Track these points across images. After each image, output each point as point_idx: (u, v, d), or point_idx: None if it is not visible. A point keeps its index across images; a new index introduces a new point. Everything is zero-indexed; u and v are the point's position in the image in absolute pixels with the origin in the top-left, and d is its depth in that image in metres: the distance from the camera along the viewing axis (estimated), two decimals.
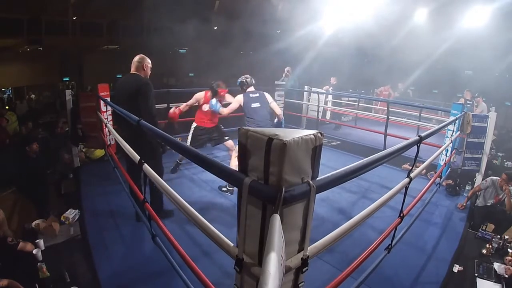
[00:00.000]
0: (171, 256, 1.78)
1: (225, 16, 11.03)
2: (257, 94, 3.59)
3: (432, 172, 4.17)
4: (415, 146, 1.82)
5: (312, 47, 10.16)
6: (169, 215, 2.99)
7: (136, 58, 2.79)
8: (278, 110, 3.76)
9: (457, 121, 3.62)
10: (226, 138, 3.99)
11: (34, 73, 10.96)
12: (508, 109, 10.20)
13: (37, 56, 10.41)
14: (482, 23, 8.27)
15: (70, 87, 10.78)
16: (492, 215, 3.60)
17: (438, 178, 3.52)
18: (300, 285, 0.99)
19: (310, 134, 0.91)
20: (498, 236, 3.03)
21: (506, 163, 6.01)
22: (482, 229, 3.17)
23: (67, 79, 11.83)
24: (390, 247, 1.96)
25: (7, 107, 8.66)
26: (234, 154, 3.75)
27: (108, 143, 3.80)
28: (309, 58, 9.85)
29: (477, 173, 4.06)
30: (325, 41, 10.10)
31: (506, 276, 2.52)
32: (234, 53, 12.83)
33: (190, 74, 13.41)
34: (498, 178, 3.62)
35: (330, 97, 7.74)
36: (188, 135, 3.99)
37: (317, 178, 0.98)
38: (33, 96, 11.15)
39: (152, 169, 1.76)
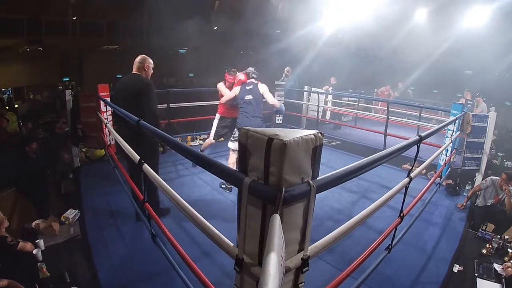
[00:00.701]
0: (171, 256, 1.78)
1: (225, 16, 11.03)
2: (251, 86, 3.56)
3: (432, 172, 4.17)
4: (415, 146, 1.82)
5: (312, 47, 10.16)
6: (166, 213, 2.99)
7: (138, 58, 2.79)
8: (271, 99, 3.71)
9: (457, 121, 3.62)
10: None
11: (34, 73, 10.96)
12: (508, 109, 10.20)
13: (37, 56, 10.41)
14: (482, 23, 8.27)
15: (70, 87, 10.77)
16: (492, 215, 3.60)
17: (438, 178, 3.52)
18: (300, 285, 0.99)
19: (310, 134, 0.91)
20: (498, 236, 3.03)
21: (506, 163, 6.01)
22: (482, 229, 3.17)
23: (67, 79, 11.83)
24: (390, 247, 1.96)
25: (7, 107, 8.65)
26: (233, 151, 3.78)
27: (108, 143, 3.79)
28: (309, 58, 9.85)
29: (477, 173, 4.06)
30: (325, 41, 10.10)
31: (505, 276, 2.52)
32: (234, 53, 12.83)
33: (190, 74, 13.41)
34: (498, 178, 3.62)
35: (330, 97, 7.74)
36: (212, 127, 4.07)
37: (317, 178, 0.98)
38: (33, 96, 11.14)
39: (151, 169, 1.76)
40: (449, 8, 8.71)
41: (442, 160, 3.90)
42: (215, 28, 12.12)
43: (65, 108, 4.49)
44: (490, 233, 3.14)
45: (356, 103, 8.36)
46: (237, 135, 3.52)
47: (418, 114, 5.80)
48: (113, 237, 2.77)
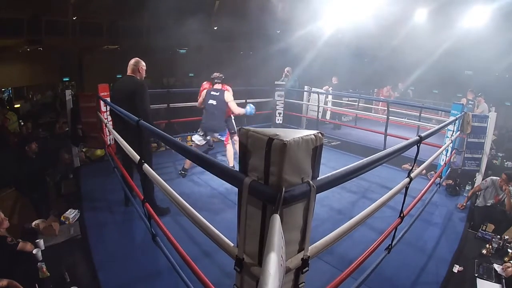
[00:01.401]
0: (171, 256, 1.78)
1: (225, 16, 11.02)
2: (218, 93, 3.86)
3: (432, 172, 4.17)
4: (415, 146, 1.82)
5: (312, 47, 10.16)
6: (166, 213, 3.01)
7: (132, 61, 2.97)
8: (236, 110, 3.95)
9: (457, 121, 3.62)
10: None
11: (34, 73, 10.95)
12: (508, 109, 10.19)
13: (37, 56, 10.40)
14: (482, 23, 8.27)
15: (70, 87, 10.77)
16: (492, 215, 3.60)
17: (438, 178, 3.52)
18: (300, 285, 0.99)
19: (310, 134, 0.91)
20: (498, 236, 3.03)
21: (506, 163, 6.01)
22: (482, 229, 3.17)
23: (67, 79, 11.82)
24: (390, 247, 1.96)
25: (7, 107, 8.66)
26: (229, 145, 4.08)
27: (108, 143, 3.80)
28: (309, 58, 9.85)
29: (477, 173, 4.06)
30: (325, 41, 10.09)
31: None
32: (234, 53, 12.83)
33: (190, 74, 13.41)
34: (498, 178, 3.62)
35: (330, 97, 7.74)
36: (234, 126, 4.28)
37: (317, 178, 0.98)
38: (33, 96, 11.15)
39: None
40: (449, 8, 8.70)
41: (442, 160, 3.90)
42: (215, 28, 12.11)
43: (65, 108, 4.49)
44: (490, 233, 3.14)
45: (356, 103, 8.36)
46: (201, 131, 3.89)
47: (418, 114, 5.80)
48: (113, 237, 2.77)
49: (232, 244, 1.06)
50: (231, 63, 9.86)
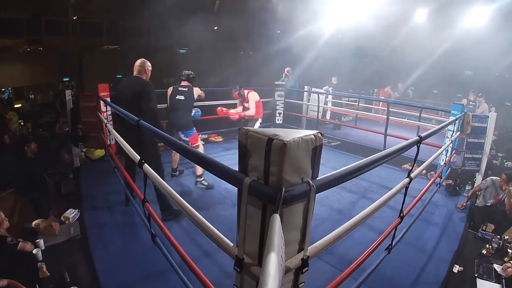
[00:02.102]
0: (171, 256, 1.78)
1: (225, 16, 11.03)
2: (186, 89, 3.74)
3: (432, 172, 4.17)
4: (415, 146, 1.82)
5: (312, 47, 10.16)
6: (178, 215, 2.95)
7: (138, 62, 2.98)
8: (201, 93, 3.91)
9: (457, 121, 3.62)
10: None
11: (34, 73, 10.97)
12: (508, 109, 10.18)
13: (37, 56, 10.41)
14: (482, 23, 8.26)
15: (70, 87, 10.78)
16: (492, 215, 3.60)
17: (438, 178, 3.52)
18: (300, 285, 0.99)
19: (310, 134, 0.91)
20: (498, 236, 3.03)
21: (506, 163, 6.00)
22: (482, 229, 3.17)
23: (67, 79, 11.83)
24: (390, 247, 1.96)
25: (10, 108, 8.67)
26: None
27: (108, 143, 3.80)
28: (309, 58, 9.85)
29: (477, 173, 4.06)
30: (325, 41, 10.10)
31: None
32: (234, 53, 12.84)
33: None
34: (498, 178, 3.62)
35: (330, 97, 7.74)
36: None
37: (317, 178, 0.98)
38: (32, 96, 11.15)
39: (152, 169, 1.77)
40: (449, 8, 8.70)
41: (442, 161, 3.90)
42: (216, 28, 12.12)
43: (65, 108, 4.49)
44: (490, 233, 3.14)
45: (356, 103, 8.35)
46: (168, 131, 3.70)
47: (418, 114, 5.79)
48: (113, 237, 2.77)
49: (232, 244, 1.06)
50: (231, 63, 9.87)
